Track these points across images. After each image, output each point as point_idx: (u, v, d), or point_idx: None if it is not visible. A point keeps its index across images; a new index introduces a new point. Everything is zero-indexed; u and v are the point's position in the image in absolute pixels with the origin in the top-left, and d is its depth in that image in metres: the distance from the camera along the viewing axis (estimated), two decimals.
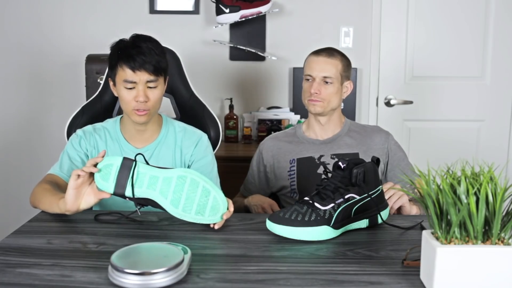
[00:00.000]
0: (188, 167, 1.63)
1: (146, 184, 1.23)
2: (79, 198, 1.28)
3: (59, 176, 1.54)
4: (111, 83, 1.58)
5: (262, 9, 2.69)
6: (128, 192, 1.23)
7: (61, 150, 1.62)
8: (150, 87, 1.50)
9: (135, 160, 1.25)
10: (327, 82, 1.74)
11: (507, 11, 2.83)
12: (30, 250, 1.11)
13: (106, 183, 1.24)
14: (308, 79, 1.77)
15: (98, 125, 1.65)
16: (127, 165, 1.24)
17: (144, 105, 1.50)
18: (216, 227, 1.25)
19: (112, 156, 1.27)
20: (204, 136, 1.67)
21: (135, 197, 1.24)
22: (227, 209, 1.25)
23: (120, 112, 1.82)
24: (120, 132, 1.62)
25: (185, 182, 1.22)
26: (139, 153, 1.31)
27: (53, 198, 1.35)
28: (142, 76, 1.48)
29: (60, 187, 1.48)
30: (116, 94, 1.57)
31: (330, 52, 1.76)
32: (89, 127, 1.63)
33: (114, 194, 1.25)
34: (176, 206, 1.23)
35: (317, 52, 1.77)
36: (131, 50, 1.47)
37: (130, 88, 1.49)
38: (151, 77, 1.49)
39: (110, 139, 1.61)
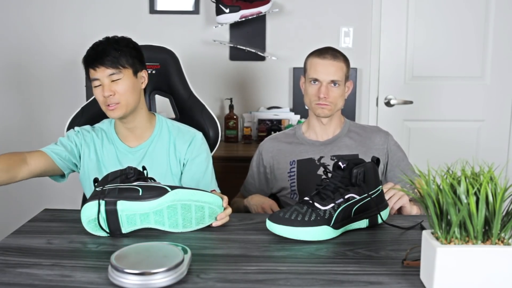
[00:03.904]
0: (183, 165, 1.64)
1: (139, 221, 1.20)
2: None
3: (44, 151, 1.56)
4: None
5: (262, 9, 2.69)
6: (124, 231, 1.21)
7: None
8: (114, 80, 1.54)
9: (115, 200, 1.18)
10: (334, 85, 1.73)
11: (507, 11, 2.83)
12: (30, 250, 1.11)
13: (100, 232, 1.20)
14: (314, 82, 1.75)
15: (96, 125, 1.69)
16: (111, 211, 1.18)
17: (113, 99, 1.53)
18: (214, 225, 1.26)
19: (89, 206, 1.19)
20: (198, 135, 1.68)
21: (132, 230, 1.23)
22: (223, 208, 1.26)
23: None
24: (114, 132, 1.65)
25: (177, 208, 1.20)
26: (119, 175, 1.27)
27: None
28: (102, 72, 1.53)
29: (32, 157, 1.50)
30: None
31: (334, 54, 1.75)
32: (87, 126, 1.68)
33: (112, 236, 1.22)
34: (175, 227, 1.22)
35: (321, 54, 1.75)
36: (90, 52, 1.55)
37: (98, 86, 1.54)
38: (111, 71, 1.53)
39: (106, 139, 1.64)
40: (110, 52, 1.52)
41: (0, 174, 1.39)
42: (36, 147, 2.87)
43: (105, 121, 1.70)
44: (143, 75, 1.61)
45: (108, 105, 1.53)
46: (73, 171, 1.65)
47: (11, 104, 2.91)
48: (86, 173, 1.63)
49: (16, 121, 2.92)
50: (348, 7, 2.84)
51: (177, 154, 1.64)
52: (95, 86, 1.54)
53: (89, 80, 1.59)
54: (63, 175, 1.63)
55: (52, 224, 1.29)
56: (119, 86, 1.53)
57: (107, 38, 1.57)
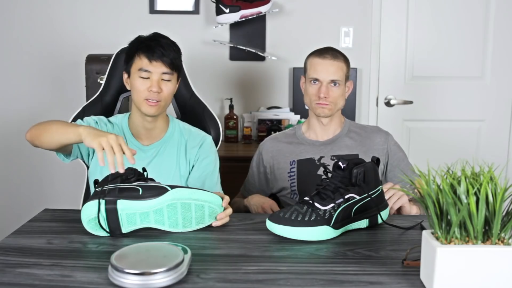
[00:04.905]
0: (192, 167, 1.66)
1: (139, 220, 1.20)
2: None
3: None
4: (125, 76, 1.62)
5: (262, 9, 2.69)
6: (124, 230, 1.20)
7: None
8: (164, 80, 1.55)
9: (115, 199, 1.18)
10: (334, 85, 1.74)
11: (507, 11, 2.83)
12: (30, 250, 1.11)
13: (100, 231, 1.20)
14: (314, 82, 1.76)
15: (111, 119, 1.69)
16: (111, 210, 1.18)
17: (157, 96, 1.54)
18: (214, 224, 1.26)
19: (89, 205, 1.19)
20: (209, 138, 1.70)
21: (132, 230, 1.22)
22: (222, 208, 1.26)
23: (121, 111, 1.82)
24: (127, 129, 1.65)
25: (177, 207, 1.20)
26: (117, 176, 1.26)
27: (69, 124, 1.37)
28: (158, 68, 1.53)
29: None
30: (128, 87, 1.61)
31: (334, 54, 1.76)
32: (103, 117, 1.67)
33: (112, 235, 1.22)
34: (175, 227, 1.22)
35: (321, 54, 1.75)
36: (150, 42, 1.54)
37: (144, 78, 1.54)
38: (167, 70, 1.55)
39: (119, 134, 1.64)
40: (171, 51, 1.54)
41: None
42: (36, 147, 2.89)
43: (118, 116, 1.70)
44: (178, 81, 1.65)
45: (147, 99, 1.54)
46: (77, 158, 1.63)
47: (12, 104, 2.91)
48: (98, 166, 1.62)
49: (16, 121, 2.92)
50: (348, 7, 2.84)
51: (187, 155, 1.65)
52: (141, 77, 1.54)
53: (127, 65, 1.57)
54: (68, 155, 1.60)
55: (52, 224, 1.29)
56: (167, 87, 1.56)
57: (162, 35, 1.58)
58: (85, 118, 1.65)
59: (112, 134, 1.27)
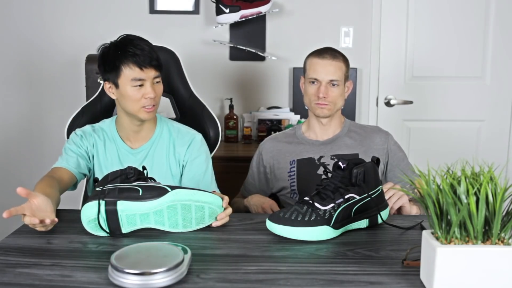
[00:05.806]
0: (183, 167, 1.65)
1: (139, 221, 1.20)
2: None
3: (64, 167, 1.54)
4: (107, 85, 1.57)
5: (262, 9, 2.69)
6: (124, 231, 1.20)
7: (61, 150, 1.62)
8: (156, 83, 1.56)
9: (115, 200, 1.18)
10: (333, 85, 1.74)
11: (507, 11, 2.83)
12: (30, 250, 1.11)
13: (100, 232, 1.20)
14: (313, 82, 1.76)
15: (96, 125, 1.67)
16: (111, 211, 1.18)
17: (153, 101, 1.54)
18: (214, 225, 1.26)
19: (89, 206, 1.19)
20: (198, 136, 1.68)
21: (132, 230, 1.22)
22: (223, 208, 1.26)
23: None
24: (116, 133, 1.64)
25: (177, 208, 1.20)
26: (119, 174, 1.26)
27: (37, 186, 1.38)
28: (150, 73, 1.52)
29: (62, 179, 1.49)
30: (113, 97, 1.58)
31: (333, 54, 1.76)
32: (88, 128, 1.65)
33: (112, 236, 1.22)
34: (175, 227, 1.22)
35: (320, 54, 1.75)
36: (135, 50, 1.50)
37: (139, 86, 1.52)
38: (157, 73, 1.55)
39: (108, 140, 1.63)
40: (153, 52, 1.54)
41: (57, 194, 1.40)
42: (36, 147, 2.90)
43: (105, 120, 1.69)
44: None
45: (144, 106, 1.53)
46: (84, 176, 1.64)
47: (11, 104, 2.91)
48: (97, 167, 1.63)
49: (16, 121, 2.92)
50: (348, 7, 2.84)
51: (176, 155, 1.64)
52: (134, 86, 1.52)
53: (110, 75, 1.53)
54: (75, 183, 1.60)
55: None
56: (159, 89, 1.57)
57: (135, 37, 1.54)
58: (71, 136, 1.63)
59: (26, 204, 1.26)
